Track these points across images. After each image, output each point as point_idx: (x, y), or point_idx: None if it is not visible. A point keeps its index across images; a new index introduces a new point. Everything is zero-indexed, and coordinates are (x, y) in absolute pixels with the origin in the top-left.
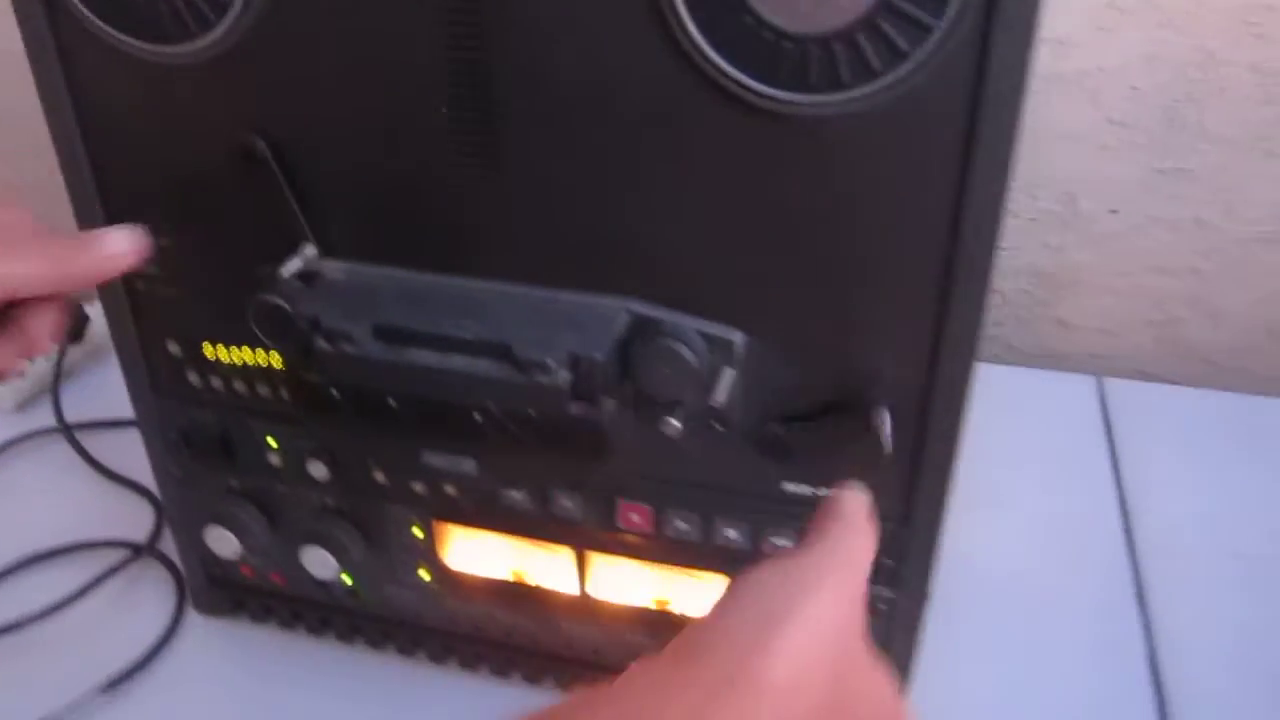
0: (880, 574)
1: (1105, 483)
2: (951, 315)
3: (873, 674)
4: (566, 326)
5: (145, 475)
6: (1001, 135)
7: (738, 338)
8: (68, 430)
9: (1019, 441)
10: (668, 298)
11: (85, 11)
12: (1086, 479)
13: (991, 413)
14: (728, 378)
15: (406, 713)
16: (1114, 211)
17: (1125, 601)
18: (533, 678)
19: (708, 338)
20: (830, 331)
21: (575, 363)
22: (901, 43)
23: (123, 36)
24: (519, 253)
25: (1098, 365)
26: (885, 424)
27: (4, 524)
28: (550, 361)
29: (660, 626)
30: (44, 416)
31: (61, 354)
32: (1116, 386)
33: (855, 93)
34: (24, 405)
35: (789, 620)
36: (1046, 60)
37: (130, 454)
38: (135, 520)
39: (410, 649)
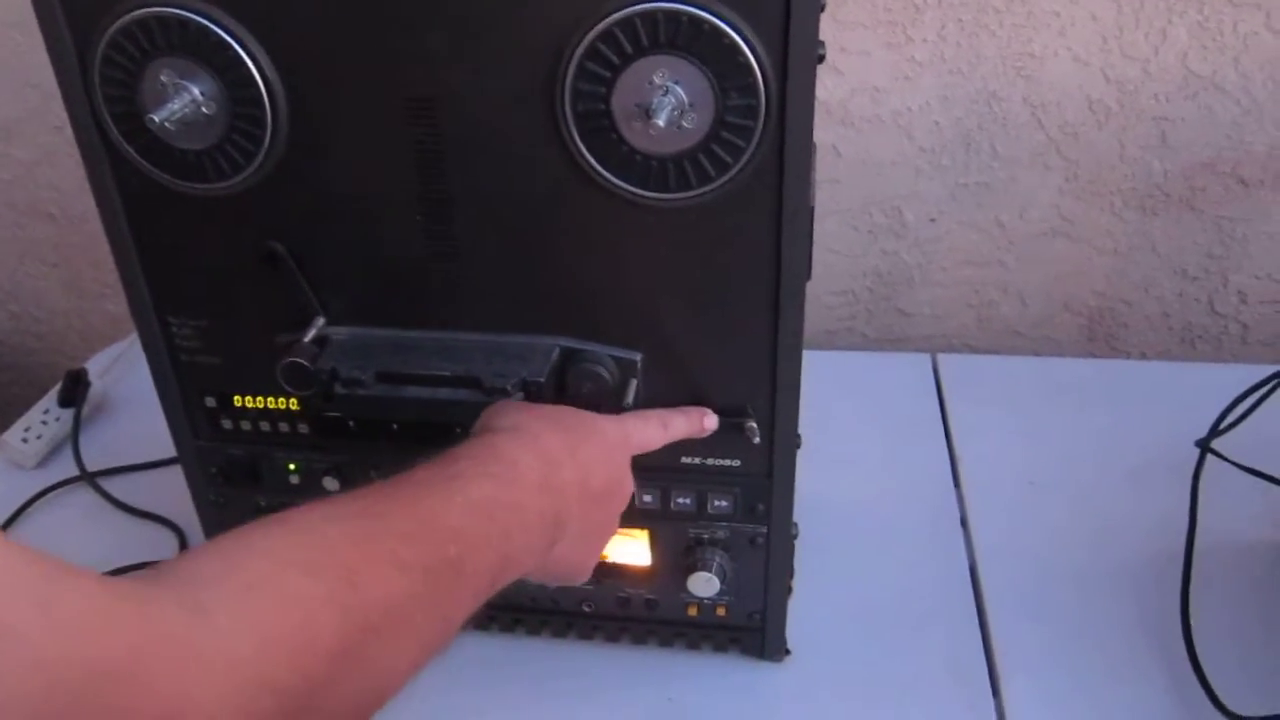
0: (753, 515)
1: (937, 434)
2: (780, 335)
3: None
4: (516, 361)
5: (159, 507)
6: (799, 210)
7: (638, 357)
8: (90, 477)
9: (872, 408)
10: (586, 334)
11: (145, 164)
12: (924, 432)
13: (849, 388)
14: (633, 387)
15: None
16: (932, 220)
17: (951, 521)
18: (509, 628)
19: (617, 360)
20: (698, 349)
21: (525, 386)
22: (726, 158)
23: (174, 179)
24: (477, 310)
25: (931, 344)
26: (754, 431)
27: None
28: (509, 387)
29: (602, 573)
30: (60, 469)
31: (78, 415)
32: (947, 360)
33: (698, 191)
34: (43, 462)
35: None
36: (867, 105)
37: (139, 492)
38: (160, 545)
39: None
